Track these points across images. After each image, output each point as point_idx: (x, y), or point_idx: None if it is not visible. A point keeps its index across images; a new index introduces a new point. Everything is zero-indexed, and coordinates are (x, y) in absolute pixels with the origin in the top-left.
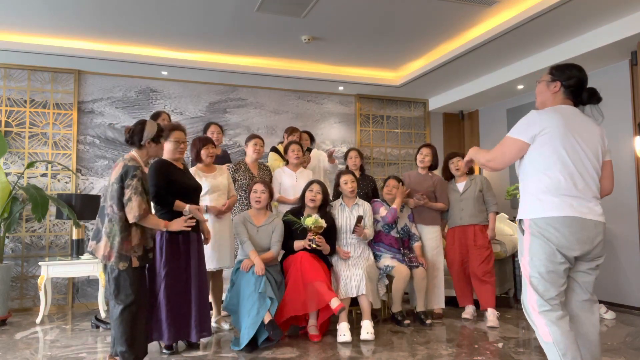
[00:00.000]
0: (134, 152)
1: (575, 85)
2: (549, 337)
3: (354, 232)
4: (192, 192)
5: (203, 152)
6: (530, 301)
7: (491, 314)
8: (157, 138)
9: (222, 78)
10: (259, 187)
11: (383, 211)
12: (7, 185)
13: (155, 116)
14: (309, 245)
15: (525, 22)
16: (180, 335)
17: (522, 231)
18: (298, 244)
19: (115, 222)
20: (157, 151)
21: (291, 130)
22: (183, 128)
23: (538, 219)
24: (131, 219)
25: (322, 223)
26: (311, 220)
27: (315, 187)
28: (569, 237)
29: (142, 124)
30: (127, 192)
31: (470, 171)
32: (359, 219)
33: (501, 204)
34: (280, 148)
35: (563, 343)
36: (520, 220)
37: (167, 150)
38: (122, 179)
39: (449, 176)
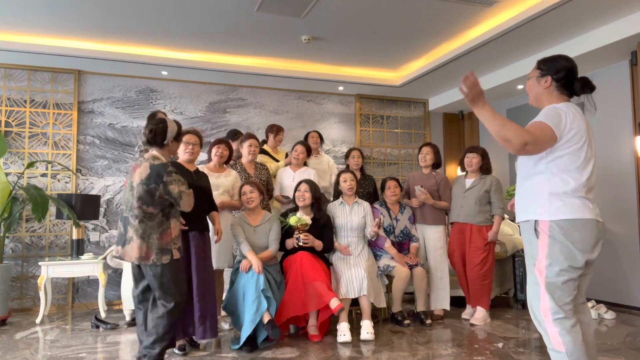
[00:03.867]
0: (154, 152)
1: (566, 77)
2: (562, 347)
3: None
4: (196, 193)
5: (213, 151)
6: (544, 308)
7: (479, 312)
8: (179, 136)
9: (222, 78)
10: (247, 188)
11: (369, 230)
12: (7, 185)
13: (153, 116)
14: (297, 244)
15: (525, 22)
16: (183, 335)
17: (536, 233)
18: (288, 243)
19: (149, 220)
20: (177, 148)
21: (277, 130)
22: (198, 132)
23: (561, 220)
24: (187, 207)
25: (306, 220)
26: (294, 219)
27: (303, 187)
28: (591, 240)
29: (163, 123)
30: (175, 187)
31: (487, 170)
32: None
33: None
34: (267, 148)
35: (576, 354)
36: (535, 221)
37: (179, 151)
38: (150, 179)
39: (464, 169)
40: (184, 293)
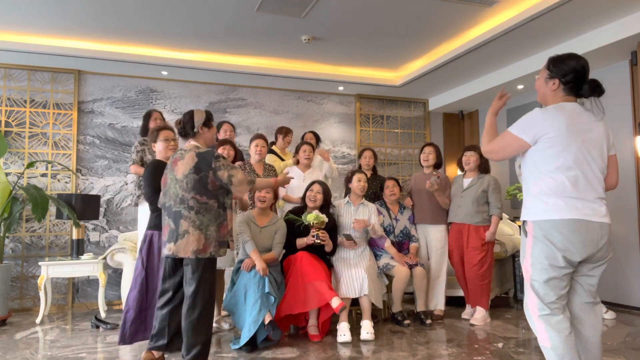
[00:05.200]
0: (192, 142)
1: (574, 81)
2: (548, 342)
3: (341, 244)
4: None
5: (218, 151)
6: (531, 304)
7: (478, 312)
8: (208, 122)
9: (222, 78)
10: None
11: (374, 231)
12: (7, 185)
13: (147, 115)
14: (314, 242)
15: (525, 22)
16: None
17: (526, 233)
18: (301, 241)
19: (206, 212)
20: (210, 136)
21: (286, 132)
22: (170, 127)
23: (542, 221)
24: (243, 191)
25: (324, 218)
26: (312, 216)
27: (316, 187)
28: (574, 240)
29: (189, 114)
30: (224, 173)
31: (485, 170)
32: (348, 236)
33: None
34: (276, 149)
35: (561, 349)
36: (524, 222)
37: (158, 150)
38: (200, 168)
39: (462, 168)
40: (213, 297)
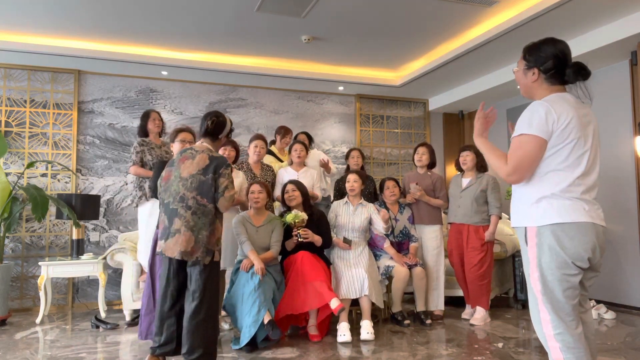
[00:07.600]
0: (206, 144)
1: (555, 67)
2: None
3: (337, 244)
4: None
5: (219, 152)
6: (544, 322)
7: (478, 312)
8: (228, 134)
9: (222, 78)
10: (255, 187)
11: (380, 226)
12: (7, 185)
13: (145, 116)
14: (297, 241)
15: (525, 22)
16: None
17: (526, 241)
18: (288, 244)
19: (202, 214)
20: (220, 146)
21: (284, 132)
22: (191, 130)
23: (549, 225)
24: (226, 207)
25: (303, 216)
26: (291, 216)
27: (290, 187)
28: (585, 246)
29: (222, 117)
30: (224, 181)
31: (482, 168)
32: (347, 240)
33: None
34: (274, 149)
35: None
36: (525, 228)
37: (175, 151)
38: (209, 170)
39: (459, 168)
40: (218, 296)
